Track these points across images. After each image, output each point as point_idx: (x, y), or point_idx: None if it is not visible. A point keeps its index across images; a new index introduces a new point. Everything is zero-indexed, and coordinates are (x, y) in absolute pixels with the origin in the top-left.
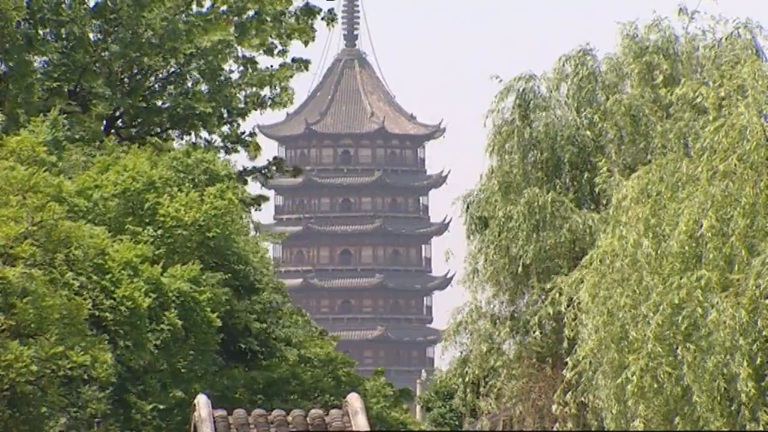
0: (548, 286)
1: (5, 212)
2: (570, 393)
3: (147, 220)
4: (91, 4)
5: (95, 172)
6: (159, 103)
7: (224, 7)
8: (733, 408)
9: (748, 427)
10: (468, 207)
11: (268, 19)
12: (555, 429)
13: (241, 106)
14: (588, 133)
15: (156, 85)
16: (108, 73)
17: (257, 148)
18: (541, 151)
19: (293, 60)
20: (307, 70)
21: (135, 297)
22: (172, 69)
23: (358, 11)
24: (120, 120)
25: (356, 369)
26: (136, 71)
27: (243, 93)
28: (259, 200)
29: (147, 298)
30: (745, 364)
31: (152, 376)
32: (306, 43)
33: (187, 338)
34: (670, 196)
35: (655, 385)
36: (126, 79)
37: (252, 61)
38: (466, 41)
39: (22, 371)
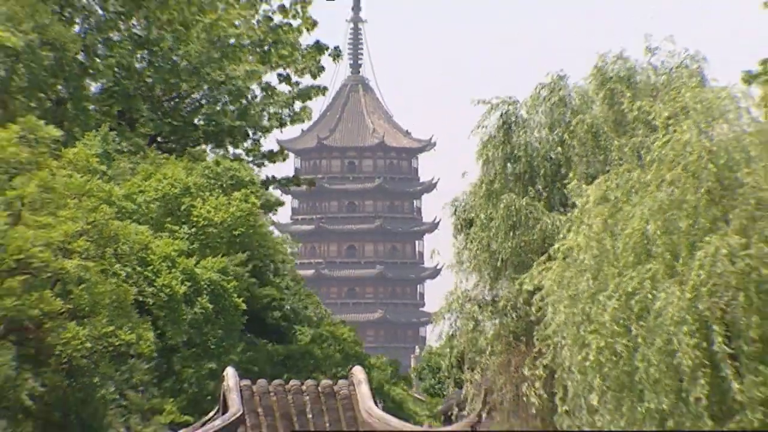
0: (522, 277)
1: (64, 213)
2: (539, 360)
3: (183, 220)
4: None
5: (139, 180)
6: (194, 121)
7: (247, 41)
8: (676, 375)
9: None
10: (456, 209)
11: (285, 53)
12: (524, 390)
13: (266, 124)
14: (559, 149)
15: (191, 106)
16: (151, 96)
17: (281, 154)
18: (520, 165)
19: (312, 87)
20: (324, 95)
21: (173, 285)
22: (205, 92)
23: (362, 43)
24: (161, 135)
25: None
26: (174, 95)
27: (266, 113)
28: (276, 205)
29: (183, 286)
30: (687, 339)
31: (187, 351)
32: (315, 77)
33: (217, 319)
34: (625, 200)
35: (613, 358)
36: (166, 101)
37: (272, 87)
38: (455, 68)
39: (78, 347)
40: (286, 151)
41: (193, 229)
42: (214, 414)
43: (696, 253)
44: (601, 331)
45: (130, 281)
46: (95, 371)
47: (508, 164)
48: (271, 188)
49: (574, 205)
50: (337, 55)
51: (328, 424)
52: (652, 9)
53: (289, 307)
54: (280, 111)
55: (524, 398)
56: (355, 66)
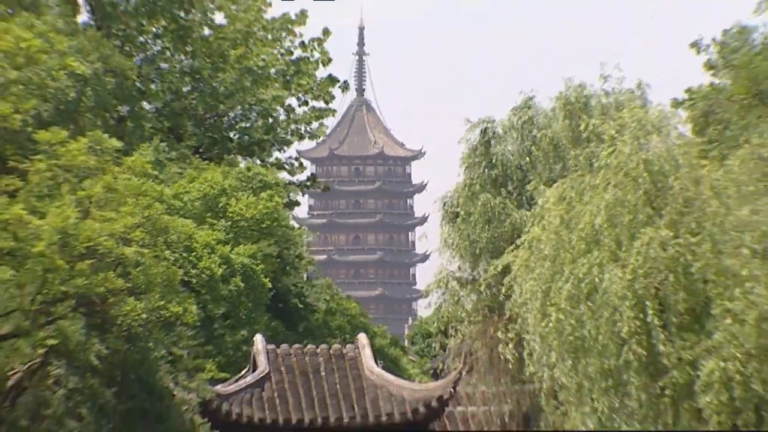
0: (496, 261)
1: (124, 209)
2: (510, 327)
3: (220, 215)
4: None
5: (185, 182)
6: (230, 135)
7: (273, 71)
8: (619, 340)
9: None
10: (444, 205)
11: (304, 82)
12: (499, 350)
13: (288, 138)
14: (527, 158)
15: (227, 123)
16: (194, 114)
17: (301, 168)
18: (495, 171)
19: (325, 109)
20: (334, 115)
21: (212, 267)
22: (239, 112)
23: (365, 72)
24: (202, 146)
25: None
26: (213, 114)
27: (288, 129)
28: (294, 204)
29: (220, 269)
30: (627, 312)
31: (224, 321)
32: (327, 103)
33: (247, 295)
34: (578, 199)
35: (568, 326)
36: (207, 119)
37: (292, 109)
38: (445, 87)
39: (135, 318)
40: (303, 162)
41: (228, 223)
42: (246, 372)
43: (634, 242)
44: (558, 305)
45: (177, 264)
46: (149, 337)
47: (486, 170)
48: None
49: (537, 203)
50: (345, 87)
51: (337, 380)
52: (651, 9)
53: (307, 285)
54: (299, 128)
55: (498, 357)
56: (360, 90)
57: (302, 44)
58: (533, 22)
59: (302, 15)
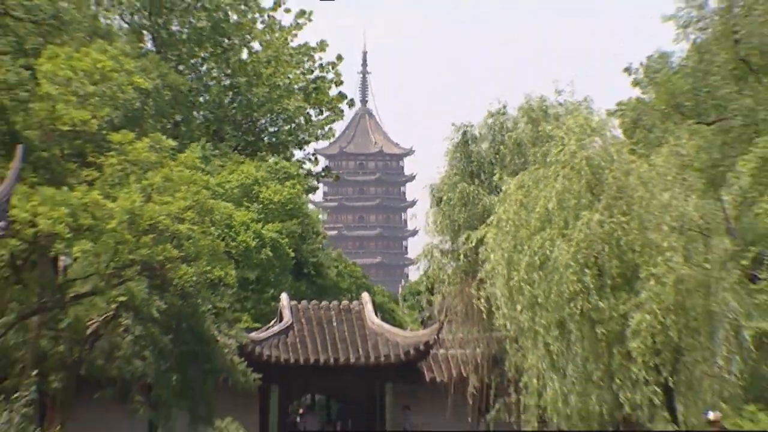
0: (471, 236)
1: (178, 195)
2: (482, 286)
3: (253, 200)
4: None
5: (226, 174)
6: (261, 137)
7: (296, 86)
8: (565, 299)
9: (573, 306)
10: (431, 191)
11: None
12: (474, 304)
13: (307, 139)
14: (497, 155)
15: (260, 128)
16: (234, 121)
17: (316, 162)
18: (472, 165)
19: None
20: (343, 119)
21: (247, 241)
22: (269, 119)
23: (368, 86)
24: (240, 146)
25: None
26: (249, 120)
27: (307, 133)
28: (311, 191)
29: (253, 242)
30: (572, 277)
31: (256, 283)
32: (337, 114)
33: (275, 263)
34: (534, 188)
35: (527, 287)
36: (243, 124)
37: (310, 116)
38: (439, 91)
39: (187, 280)
40: (318, 158)
41: (260, 206)
42: (274, 323)
43: (578, 222)
44: (519, 271)
45: (220, 238)
46: (198, 295)
47: (465, 164)
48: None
49: (503, 191)
50: (351, 104)
51: (345, 329)
52: (652, 10)
53: (322, 255)
54: (315, 131)
55: (472, 311)
56: (363, 101)
57: (320, 66)
58: (532, 22)
59: (321, 44)
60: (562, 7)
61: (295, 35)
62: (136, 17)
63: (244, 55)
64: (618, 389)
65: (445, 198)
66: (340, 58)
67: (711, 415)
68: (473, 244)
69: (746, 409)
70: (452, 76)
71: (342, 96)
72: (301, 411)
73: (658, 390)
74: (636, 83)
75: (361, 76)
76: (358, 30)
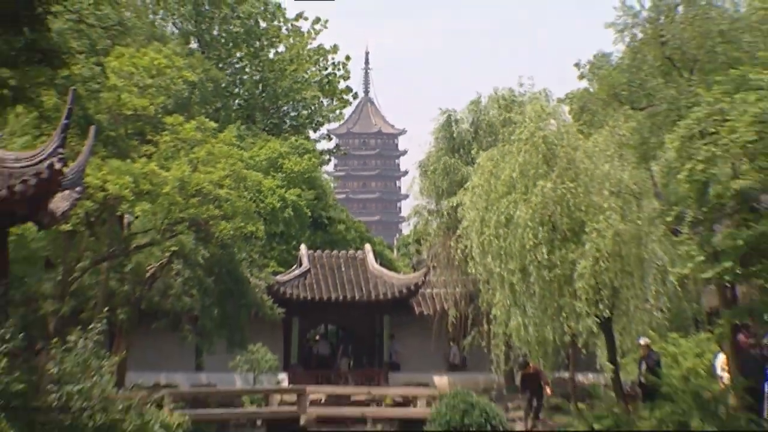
0: (452, 199)
1: (219, 166)
2: (460, 239)
3: (278, 170)
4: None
5: (256, 149)
6: (285, 120)
7: (313, 80)
8: (525, 249)
9: (533, 256)
10: (420, 164)
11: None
12: (453, 254)
13: (320, 121)
14: (474, 134)
15: (283, 113)
16: (263, 108)
17: (329, 139)
18: (453, 142)
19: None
20: (350, 106)
21: (273, 203)
22: (290, 106)
23: (369, 80)
24: (267, 127)
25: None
26: (275, 107)
27: (320, 117)
28: (324, 163)
29: (278, 203)
30: (530, 232)
31: (281, 237)
32: (344, 103)
33: (296, 220)
34: (502, 160)
35: (496, 240)
36: (271, 110)
37: (323, 104)
38: (423, 85)
39: (226, 234)
40: (331, 137)
41: (284, 175)
42: (294, 268)
43: (535, 188)
44: (489, 228)
45: (252, 201)
46: (234, 246)
47: (448, 142)
48: (323, 154)
49: (477, 163)
50: (355, 96)
51: (351, 273)
52: (601, 17)
53: (333, 212)
54: (327, 115)
55: (453, 259)
56: (366, 92)
57: (332, 65)
58: (512, 20)
59: (334, 47)
60: (539, 8)
61: (313, 38)
62: (184, 24)
63: (271, 55)
64: (566, 321)
65: (431, 169)
66: (348, 58)
67: (642, 341)
68: (453, 206)
69: (670, 336)
70: (440, 68)
71: (349, 88)
72: (317, 338)
73: (598, 321)
74: (582, 77)
75: (364, 71)
76: (363, 33)
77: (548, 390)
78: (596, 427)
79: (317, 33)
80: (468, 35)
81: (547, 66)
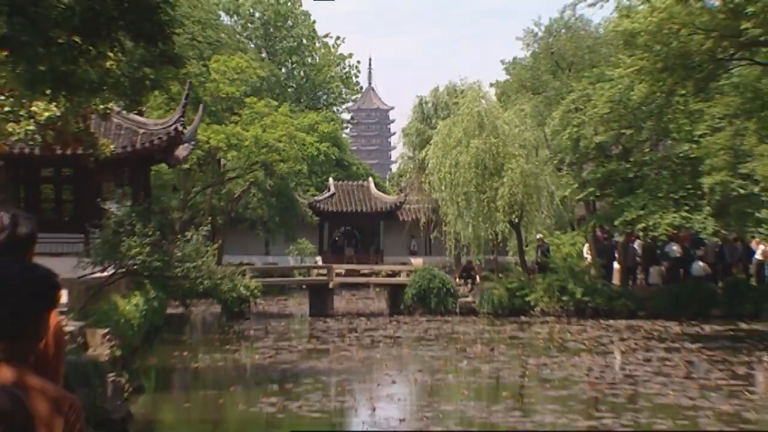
0: (423, 151)
1: (279, 129)
2: (427, 176)
3: (315, 132)
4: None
5: (301, 118)
6: (320, 100)
7: (337, 76)
8: (467, 182)
9: (471, 186)
10: (404, 131)
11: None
12: (424, 187)
13: (339, 100)
14: (437, 112)
15: (318, 96)
16: (305, 92)
17: (347, 112)
18: (424, 115)
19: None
20: (359, 93)
21: (312, 152)
22: (321, 93)
23: (372, 73)
24: (308, 106)
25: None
26: (313, 92)
27: (340, 99)
28: (343, 128)
29: (315, 152)
30: (469, 171)
31: (316, 173)
32: (354, 91)
33: (326, 163)
34: (453, 127)
35: (448, 176)
36: (309, 95)
37: (341, 91)
38: (409, 76)
39: (284, 170)
40: (348, 110)
41: (318, 135)
42: (325, 192)
43: (472, 143)
44: (444, 168)
45: (299, 150)
46: (288, 178)
47: (421, 115)
48: (342, 122)
49: (438, 128)
50: (362, 88)
51: (361, 195)
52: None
53: (348, 159)
54: (344, 98)
55: (423, 187)
56: (369, 83)
57: (349, 66)
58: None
59: (350, 54)
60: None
61: (335, 48)
62: (258, 41)
63: (310, 60)
64: (491, 225)
65: (410, 132)
66: (359, 62)
67: (538, 236)
68: (423, 155)
69: (555, 233)
70: (419, 67)
71: (358, 82)
72: (339, 236)
73: (511, 224)
74: (505, 70)
75: (368, 69)
76: (366, 37)
77: (477, 277)
78: (508, 287)
79: (338, 46)
80: (439, 43)
81: (488, 62)
